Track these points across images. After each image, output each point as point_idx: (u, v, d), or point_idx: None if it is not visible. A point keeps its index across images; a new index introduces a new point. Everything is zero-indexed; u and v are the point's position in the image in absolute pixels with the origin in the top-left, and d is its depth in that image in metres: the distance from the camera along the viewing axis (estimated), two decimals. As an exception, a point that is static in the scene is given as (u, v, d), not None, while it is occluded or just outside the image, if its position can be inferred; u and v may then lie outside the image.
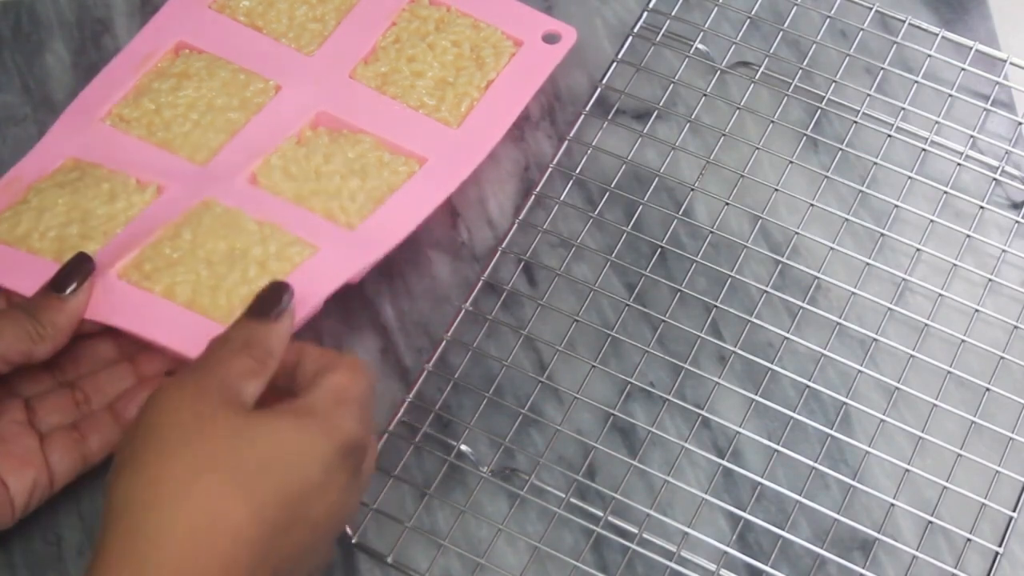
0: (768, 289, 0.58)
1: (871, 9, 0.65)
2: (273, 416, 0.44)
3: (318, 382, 0.46)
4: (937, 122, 0.62)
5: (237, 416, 0.44)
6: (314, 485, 0.44)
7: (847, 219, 0.60)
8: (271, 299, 0.49)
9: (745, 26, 0.65)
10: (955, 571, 0.52)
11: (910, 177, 0.61)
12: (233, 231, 0.55)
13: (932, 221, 0.59)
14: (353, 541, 0.53)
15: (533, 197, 0.61)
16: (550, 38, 0.63)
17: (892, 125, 0.62)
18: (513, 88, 0.62)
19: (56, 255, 0.55)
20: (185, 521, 0.40)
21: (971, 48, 0.63)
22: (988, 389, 0.56)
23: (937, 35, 0.64)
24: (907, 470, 0.54)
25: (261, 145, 0.59)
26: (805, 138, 0.62)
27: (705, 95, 0.63)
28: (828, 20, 0.65)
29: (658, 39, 0.65)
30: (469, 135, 0.60)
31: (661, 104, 0.63)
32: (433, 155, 0.59)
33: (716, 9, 0.66)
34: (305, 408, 0.45)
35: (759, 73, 0.64)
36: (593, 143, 0.62)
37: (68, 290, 0.51)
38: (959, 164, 0.61)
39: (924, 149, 0.61)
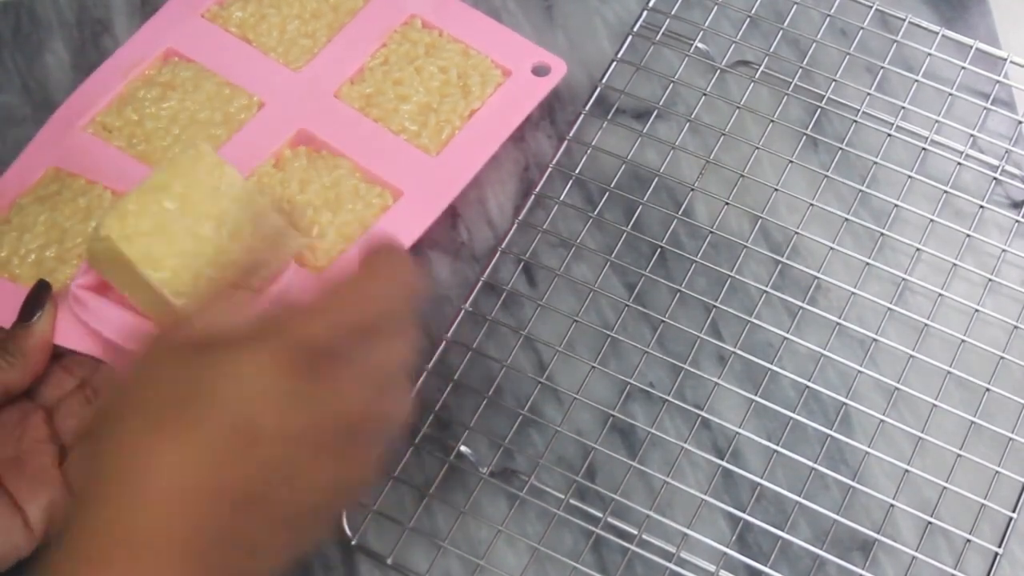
0: (768, 289, 0.58)
1: (871, 8, 0.65)
2: None
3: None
4: (937, 121, 0.62)
5: None
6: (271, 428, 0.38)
7: (847, 219, 0.59)
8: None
9: (745, 25, 0.65)
10: (955, 572, 0.52)
11: (910, 176, 0.60)
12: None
13: (932, 221, 0.59)
14: (353, 543, 0.53)
15: (533, 197, 0.61)
16: (539, 70, 0.63)
17: (892, 124, 0.62)
18: (496, 119, 0.61)
19: (34, 281, 0.55)
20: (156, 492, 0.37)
21: (971, 47, 0.63)
22: (988, 389, 0.56)
23: (937, 33, 0.64)
24: (907, 470, 0.54)
25: (239, 166, 0.57)
26: (805, 137, 0.62)
27: (705, 94, 0.63)
28: (828, 19, 0.65)
29: (658, 38, 0.65)
30: (446, 166, 0.60)
31: (661, 103, 0.63)
32: (409, 188, 0.59)
33: (716, 8, 0.66)
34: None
35: (759, 72, 0.64)
36: (593, 143, 0.62)
37: (34, 318, 0.52)
38: (959, 163, 0.61)
39: (924, 148, 0.61)
